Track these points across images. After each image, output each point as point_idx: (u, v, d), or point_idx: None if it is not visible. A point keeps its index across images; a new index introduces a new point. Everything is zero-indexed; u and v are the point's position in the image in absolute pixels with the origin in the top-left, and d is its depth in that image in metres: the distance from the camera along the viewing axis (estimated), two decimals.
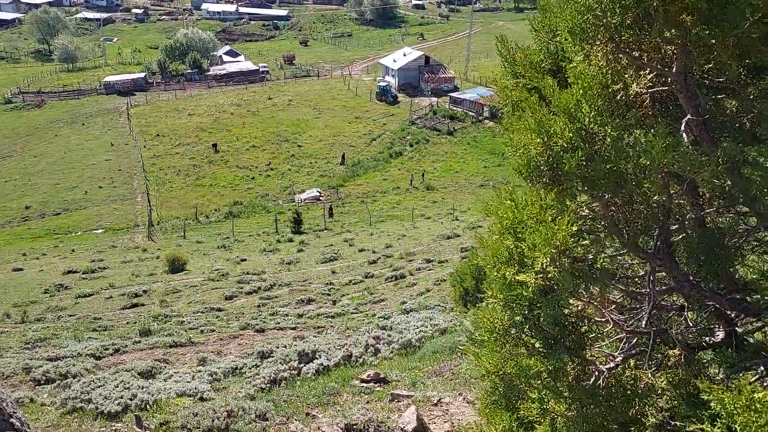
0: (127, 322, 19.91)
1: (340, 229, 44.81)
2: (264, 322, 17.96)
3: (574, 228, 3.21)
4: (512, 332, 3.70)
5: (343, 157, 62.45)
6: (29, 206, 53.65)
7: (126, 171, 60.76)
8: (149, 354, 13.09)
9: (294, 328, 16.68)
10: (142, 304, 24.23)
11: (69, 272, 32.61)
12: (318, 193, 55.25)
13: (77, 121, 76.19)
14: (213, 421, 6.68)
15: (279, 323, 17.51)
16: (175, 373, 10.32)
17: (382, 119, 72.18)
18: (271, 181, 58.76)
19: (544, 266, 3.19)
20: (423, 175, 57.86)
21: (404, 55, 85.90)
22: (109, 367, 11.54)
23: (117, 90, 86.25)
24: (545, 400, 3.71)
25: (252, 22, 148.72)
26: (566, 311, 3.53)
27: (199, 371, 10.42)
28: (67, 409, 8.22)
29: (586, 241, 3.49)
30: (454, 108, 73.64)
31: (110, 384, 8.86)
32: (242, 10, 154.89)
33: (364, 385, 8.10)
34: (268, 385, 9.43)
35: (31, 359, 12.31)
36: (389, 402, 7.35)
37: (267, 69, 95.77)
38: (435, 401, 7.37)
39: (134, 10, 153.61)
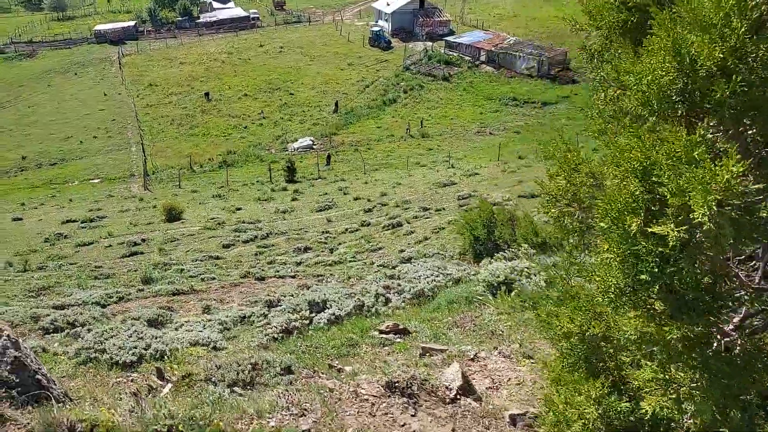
0: (128, 270, 20.22)
1: (334, 178, 44.84)
2: (263, 270, 18.28)
3: (741, 168, 2.62)
4: (628, 292, 3.16)
5: (336, 104, 61.89)
6: (26, 156, 53.46)
7: (120, 121, 60.26)
8: (153, 302, 13.39)
9: (294, 277, 16.99)
10: (141, 253, 24.53)
11: (68, 221, 32.83)
12: (311, 142, 54.98)
13: (70, 70, 75.00)
14: (238, 374, 6.59)
15: (278, 271, 17.82)
16: (186, 322, 10.56)
17: (375, 65, 71.21)
18: (264, 130, 58.37)
19: (707, 214, 2.63)
20: (421, 122, 57.45)
21: None
22: (115, 315, 11.84)
23: (108, 39, 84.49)
24: (664, 367, 3.26)
25: None
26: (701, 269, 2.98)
27: (209, 321, 10.65)
28: (81, 359, 8.39)
29: (758, 185, 2.78)
30: (450, 53, 72.43)
31: (123, 334, 9.05)
32: None
33: (384, 336, 7.94)
34: (281, 335, 9.55)
35: (38, 307, 12.61)
36: (420, 356, 7.13)
37: (257, 15, 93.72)
38: (471, 356, 7.07)
39: None
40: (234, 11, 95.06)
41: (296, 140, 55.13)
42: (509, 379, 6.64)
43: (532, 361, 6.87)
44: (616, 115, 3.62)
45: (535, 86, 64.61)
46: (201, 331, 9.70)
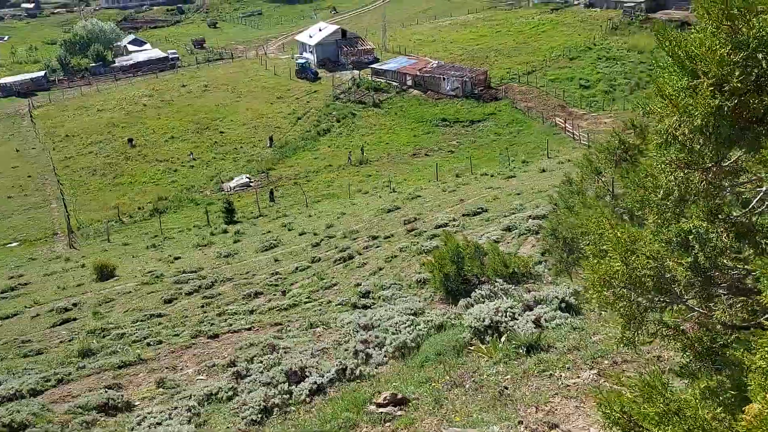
0: (61, 341, 18.08)
1: (276, 214, 43.25)
2: (214, 324, 16.60)
3: None
4: None
5: (270, 138, 60.44)
6: None
7: (37, 177, 56.64)
8: (98, 379, 11.56)
9: (249, 329, 15.42)
10: (74, 319, 22.28)
11: None
12: (248, 180, 53.25)
13: None
14: None
15: (231, 324, 16.20)
16: (149, 414, 8.87)
17: (305, 97, 70.18)
18: (196, 172, 56.20)
19: None
20: (362, 150, 56.62)
21: (320, 30, 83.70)
22: (56, 402, 10.00)
23: (15, 92, 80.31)
24: None
25: (155, 7, 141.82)
26: None
27: (175, 408, 8.97)
28: None
29: None
30: (377, 79, 72.43)
31: None
32: None
33: (383, 410, 6.75)
34: (259, 416, 8.12)
35: None
36: None
37: (177, 55, 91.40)
38: None
39: (24, 5, 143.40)
40: (151, 53, 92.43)
41: (232, 179, 53.23)
42: None
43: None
44: None
45: (462, 106, 65.22)
46: (169, 425, 8.08)
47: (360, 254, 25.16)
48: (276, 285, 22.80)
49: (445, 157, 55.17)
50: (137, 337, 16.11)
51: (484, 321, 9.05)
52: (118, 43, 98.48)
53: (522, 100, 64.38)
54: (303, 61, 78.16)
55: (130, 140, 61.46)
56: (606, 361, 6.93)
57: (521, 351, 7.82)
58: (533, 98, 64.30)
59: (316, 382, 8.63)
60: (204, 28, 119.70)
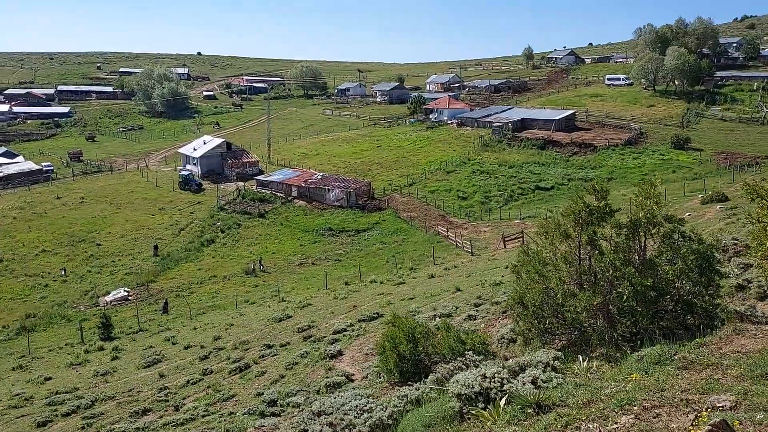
0: None
1: (158, 328, 41.19)
2: None
3: None
4: None
5: (155, 247, 58.61)
6: None
7: None
8: None
9: None
10: None
11: None
12: (126, 293, 50.74)
13: None
14: None
15: None
16: None
17: (188, 208, 69.23)
18: (69, 286, 52.92)
19: None
20: (260, 260, 55.92)
21: (204, 143, 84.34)
22: None
23: None
24: None
25: (29, 121, 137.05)
26: None
27: None
28: None
29: None
30: (262, 190, 73.20)
31: None
32: (16, 109, 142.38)
33: None
34: None
35: None
36: None
37: (51, 168, 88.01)
38: None
39: None
40: (24, 165, 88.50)
41: (108, 293, 50.50)
42: None
43: None
44: None
45: (347, 216, 66.97)
46: None
47: (257, 363, 24.49)
48: (166, 400, 21.60)
49: (333, 265, 55.73)
50: None
51: (473, 387, 8.47)
52: None
53: (405, 210, 67.20)
54: (186, 172, 77.84)
55: None
56: (635, 407, 6.57)
57: (530, 411, 7.30)
58: (415, 208, 67.32)
59: None
60: (82, 141, 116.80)
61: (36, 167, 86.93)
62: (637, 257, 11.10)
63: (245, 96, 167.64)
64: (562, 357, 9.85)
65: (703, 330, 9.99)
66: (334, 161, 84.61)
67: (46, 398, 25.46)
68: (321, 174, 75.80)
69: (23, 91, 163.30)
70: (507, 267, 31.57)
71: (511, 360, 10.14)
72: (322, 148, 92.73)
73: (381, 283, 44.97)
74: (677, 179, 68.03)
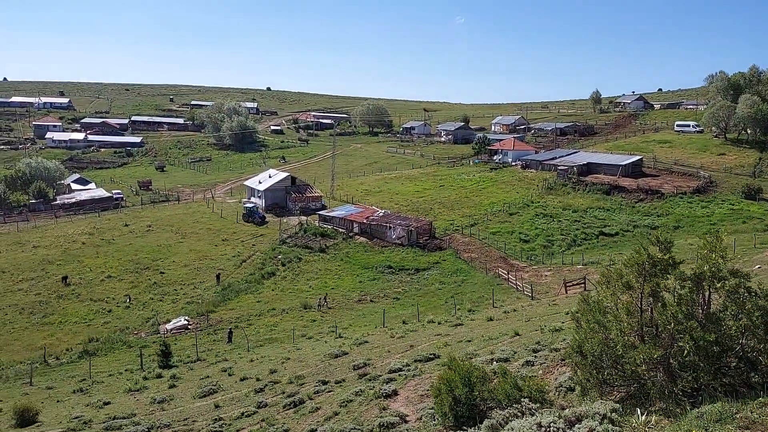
0: None
1: (215, 359, 41.19)
2: None
3: None
4: None
5: (218, 276, 59.39)
6: None
7: None
8: None
9: None
10: None
11: None
12: (186, 322, 51.20)
13: None
14: None
15: None
16: None
17: (251, 240, 70.07)
18: (131, 313, 53.85)
19: None
20: (325, 297, 55.35)
21: (270, 176, 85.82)
22: None
23: None
24: None
25: (102, 149, 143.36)
26: None
27: None
28: None
29: None
30: (324, 225, 73.56)
31: None
32: (91, 138, 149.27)
33: None
34: None
35: None
36: None
37: (121, 195, 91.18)
38: None
39: None
40: (95, 192, 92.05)
41: (169, 321, 51.07)
42: None
43: None
44: None
45: (407, 254, 66.30)
46: None
47: (311, 399, 23.84)
48: (220, 431, 21.13)
49: (391, 303, 54.94)
50: None
51: None
52: (62, 181, 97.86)
53: (465, 250, 66.04)
54: (251, 205, 79.13)
55: (65, 278, 59.08)
56: None
57: None
58: (476, 249, 66.07)
59: None
60: (152, 171, 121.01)
61: (107, 194, 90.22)
62: (700, 311, 10.73)
63: (311, 131, 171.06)
64: (620, 410, 9.60)
65: (767, 389, 9.66)
66: (397, 199, 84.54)
67: (104, 422, 25.42)
68: (383, 211, 75.72)
69: (99, 120, 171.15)
70: (567, 313, 30.41)
71: (567, 410, 9.90)
72: (385, 185, 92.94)
73: (439, 323, 43.91)
74: (747, 230, 64.76)
